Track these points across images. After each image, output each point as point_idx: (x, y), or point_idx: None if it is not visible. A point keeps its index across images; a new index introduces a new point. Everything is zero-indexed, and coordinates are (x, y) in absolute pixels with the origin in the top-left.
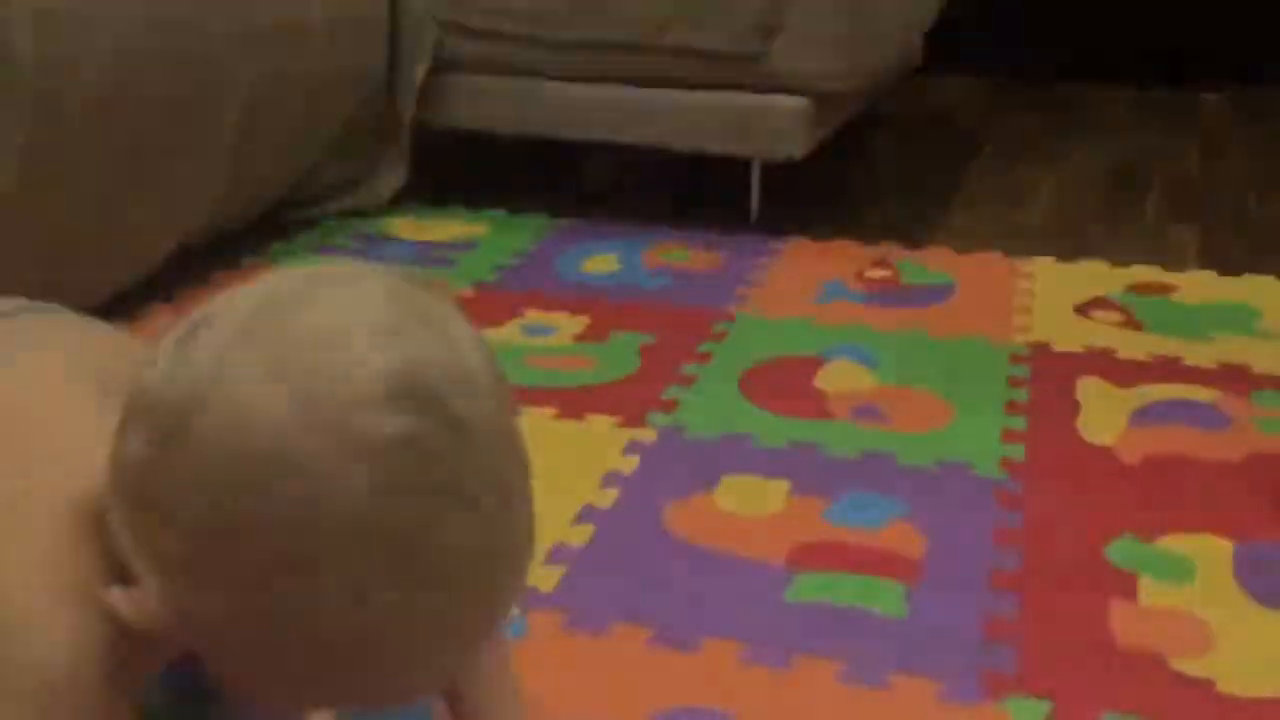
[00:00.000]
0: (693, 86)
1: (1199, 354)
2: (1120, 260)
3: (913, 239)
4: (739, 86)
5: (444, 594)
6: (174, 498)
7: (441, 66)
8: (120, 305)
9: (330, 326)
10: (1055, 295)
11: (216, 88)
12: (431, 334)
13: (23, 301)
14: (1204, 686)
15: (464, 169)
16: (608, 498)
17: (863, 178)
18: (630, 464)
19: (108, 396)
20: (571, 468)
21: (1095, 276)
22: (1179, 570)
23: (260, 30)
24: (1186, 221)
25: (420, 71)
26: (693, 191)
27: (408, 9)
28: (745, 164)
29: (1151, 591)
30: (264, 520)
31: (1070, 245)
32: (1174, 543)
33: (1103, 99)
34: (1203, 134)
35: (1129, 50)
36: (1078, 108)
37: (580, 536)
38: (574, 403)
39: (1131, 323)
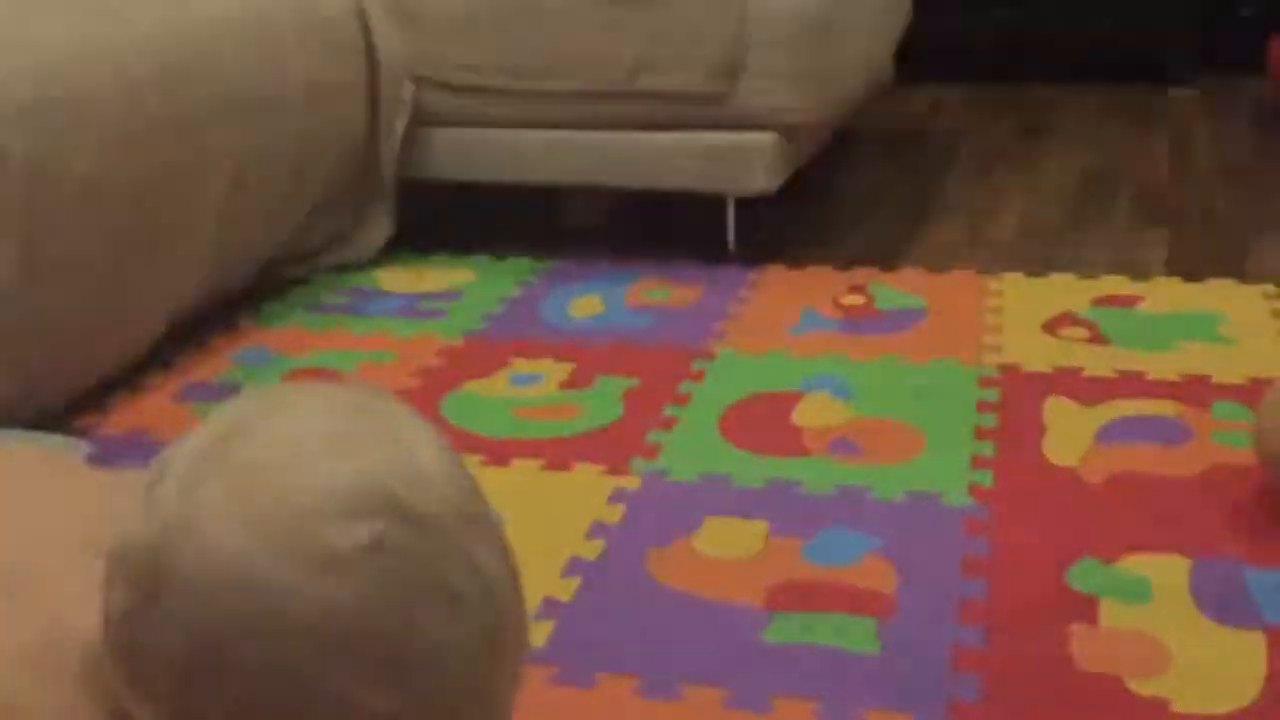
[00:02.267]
0: (664, 128)
1: (1162, 366)
2: (1089, 271)
3: (888, 258)
4: (709, 126)
5: (440, 687)
6: (158, 642)
7: (421, 120)
8: (120, 374)
9: (280, 450)
10: (1024, 313)
11: (202, 162)
12: (380, 440)
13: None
14: (1159, 706)
15: (448, 217)
16: (594, 548)
17: (838, 199)
18: (615, 513)
19: (91, 549)
20: (559, 520)
21: (1063, 291)
22: (1137, 591)
23: (240, 102)
24: (1155, 226)
25: (400, 128)
26: (672, 227)
27: (385, 68)
28: (721, 198)
29: (1111, 614)
30: (247, 649)
31: (1041, 257)
32: (1133, 563)
33: (1073, 99)
34: (1172, 132)
35: (1097, 48)
36: (1048, 111)
37: (567, 590)
38: (560, 453)
39: (1097, 338)
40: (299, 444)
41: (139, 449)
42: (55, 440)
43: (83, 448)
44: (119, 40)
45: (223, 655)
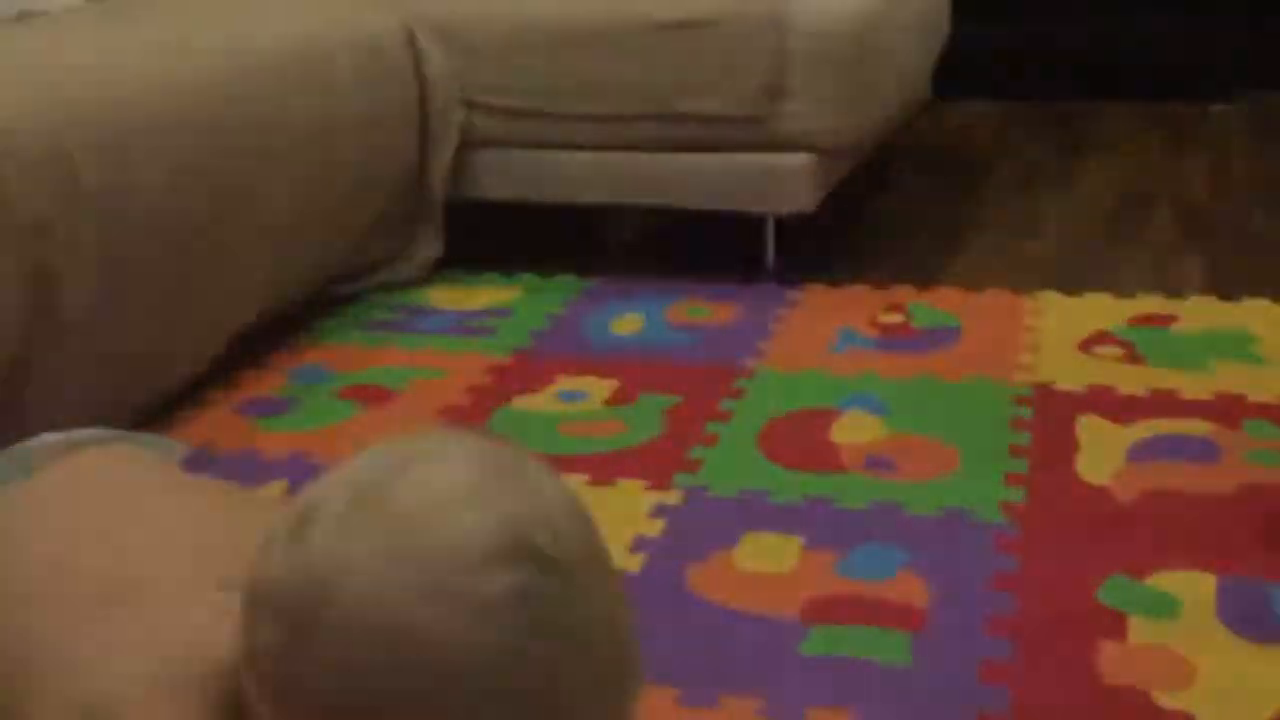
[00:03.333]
0: (705, 149)
1: (1196, 385)
2: (1125, 290)
3: (926, 276)
4: (748, 147)
5: None
6: (311, 682)
7: (469, 143)
8: (182, 390)
9: (427, 501)
10: (1059, 332)
11: (263, 188)
12: (516, 488)
13: (111, 433)
14: None
15: (496, 236)
16: (636, 562)
17: (875, 217)
18: (657, 527)
19: (213, 567)
20: (604, 534)
21: (1099, 310)
22: (1165, 608)
23: (299, 130)
24: (1192, 243)
25: (449, 151)
26: (712, 247)
27: (435, 95)
28: (760, 218)
29: (1139, 630)
30: (401, 692)
31: (1077, 275)
32: (1162, 580)
33: (1111, 115)
34: (1210, 148)
35: (1136, 65)
36: (1086, 127)
37: None
38: (605, 468)
39: (1132, 357)
40: (444, 494)
41: (201, 462)
42: (156, 441)
43: (180, 449)
44: (187, 74)
45: (375, 698)
